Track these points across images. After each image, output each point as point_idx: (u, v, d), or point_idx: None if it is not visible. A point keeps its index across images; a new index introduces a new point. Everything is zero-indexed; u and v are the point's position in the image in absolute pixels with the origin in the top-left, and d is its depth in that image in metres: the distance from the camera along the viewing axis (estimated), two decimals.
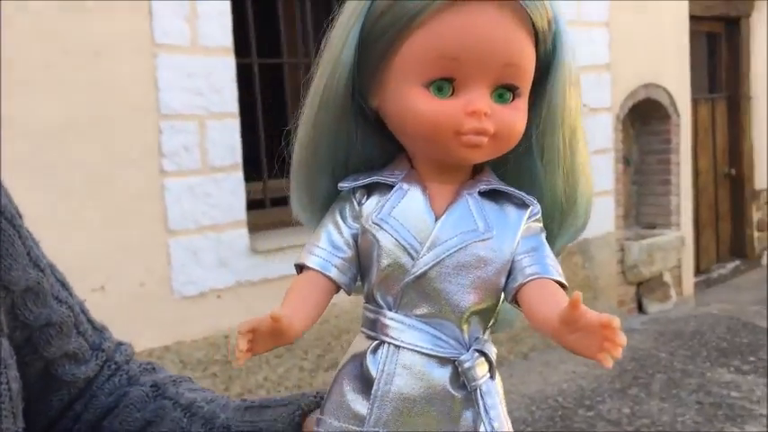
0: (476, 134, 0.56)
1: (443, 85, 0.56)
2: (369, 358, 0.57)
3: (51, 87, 2.74)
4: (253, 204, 3.37)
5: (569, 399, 3.79)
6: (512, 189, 0.60)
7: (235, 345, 0.51)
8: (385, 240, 0.57)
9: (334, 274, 0.58)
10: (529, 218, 0.59)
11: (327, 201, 0.63)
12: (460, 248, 0.57)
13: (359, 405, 0.57)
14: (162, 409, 0.73)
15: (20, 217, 0.74)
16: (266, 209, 3.48)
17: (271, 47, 3.65)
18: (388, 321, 0.57)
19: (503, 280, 0.58)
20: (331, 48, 0.59)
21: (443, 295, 0.57)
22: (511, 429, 0.58)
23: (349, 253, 0.59)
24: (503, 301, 0.60)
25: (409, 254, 0.57)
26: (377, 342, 0.57)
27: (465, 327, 0.58)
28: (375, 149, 0.63)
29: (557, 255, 0.63)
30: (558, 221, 0.63)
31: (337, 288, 0.59)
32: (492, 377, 0.58)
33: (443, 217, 0.58)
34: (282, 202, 3.36)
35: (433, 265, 0.56)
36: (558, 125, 0.60)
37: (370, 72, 0.59)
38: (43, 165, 2.75)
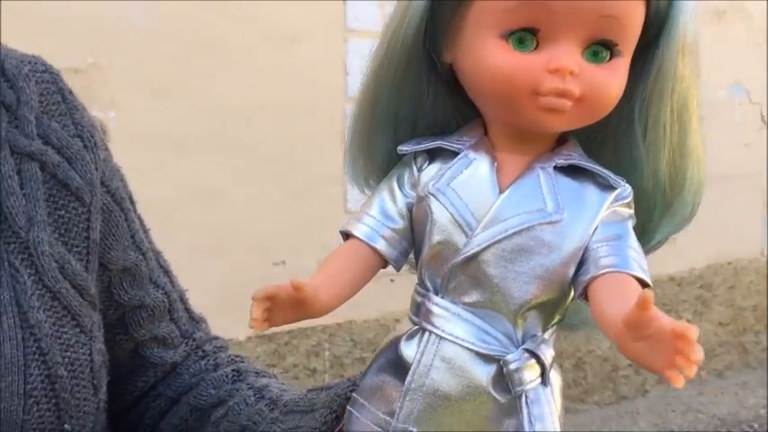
0: (557, 96, 0.49)
1: (526, 36, 0.49)
2: (403, 345, 0.52)
3: (248, 70, 2.89)
4: None
5: (766, 426, 3.45)
6: (596, 166, 0.52)
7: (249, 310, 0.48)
8: (439, 213, 0.51)
9: (381, 245, 0.53)
10: (615, 201, 0.51)
11: (386, 166, 0.57)
12: (522, 230, 0.50)
13: (393, 393, 0.52)
14: (236, 390, 0.74)
15: (131, 201, 0.78)
16: None
17: None
18: (432, 307, 0.51)
19: (571, 270, 0.50)
20: None
21: (497, 283, 0.50)
22: None
23: (401, 224, 0.54)
24: (573, 297, 0.52)
25: (464, 231, 0.50)
26: (416, 328, 0.52)
27: (520, 322, 0.50)
28: (448, 112, 0.56)
29: (657, 246, 0.56)
30: (661, 209, 0.55)
31: (384, 262, 0.54)
32: (544, 383, 0.50)
33: (507, 192, 0.51)
34: None
35: (488, 247, 0.50)
36: (666, 96, 0.52)
37: (446, 20, 0.52)
38: (234, 143, 2.92)
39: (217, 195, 2.76)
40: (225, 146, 2.86)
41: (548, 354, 0.51)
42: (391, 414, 0.51)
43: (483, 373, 0.50)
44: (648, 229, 0.55)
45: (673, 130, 0.52)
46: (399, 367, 0.52)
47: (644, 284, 0.49)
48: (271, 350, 3.13)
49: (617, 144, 0.54)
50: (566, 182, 0.51)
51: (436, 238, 0.51)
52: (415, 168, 0.54)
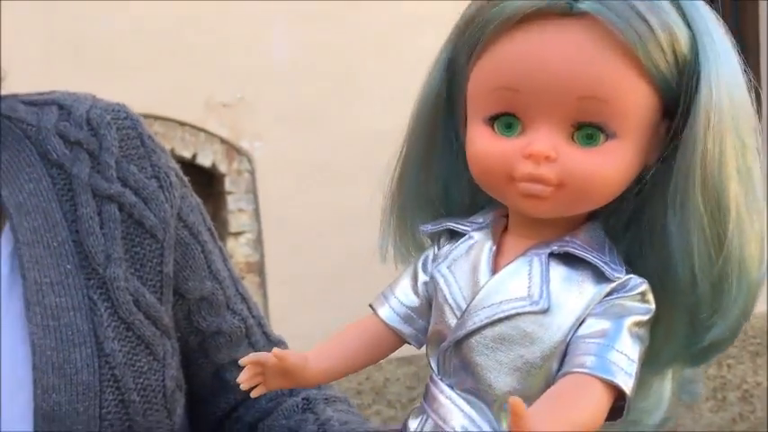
0: (530, 181, 0.46)
1: (512, 121, 0.46)
2: (410, 420, 0.52)
3: (385, 96, 2.96)
4: None
5: None
6: (592, 255, 0.47)
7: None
8: (439, 294, 0.51)
9: (396, 324, 0.53)
10: (612, 293, 0.46)
11: (424, 243, 0.56)
12: (504, 318, 0.47)
13: None
14: (304, 422, 0.76)
15: (210, 233, 0.82)
16: None
17: None
18: (435, 391, 0.50)
19: (554, 365, 0.46)
20: (426, 75, 0.54)
21: (479, 372, 0.48)
22: None
23: (417, 303, 0.53)
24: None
25: (455, 314, 0.49)
26: (421, 406, 0.52)
27: (502, 414, 0.48)
28: (482, 192, 0.53)
29: (708, 356, 0.49)
30: (709, 303, 0.47)
31: (401, 339, 0.54)
32: None
33: (495, 277, 0.48)
34: None
35: (471, 333, 0.48)
36: (692, 175, 0.45)
37: (457, 103, 0.52)
38: (374, 167, 2.99)
39: (359, 219, 2.83)
40: (366, 170, 2.93)
41: None
42: None
43: None
44: (698, 326, 0.48)
45: (703, 217, 0.46)
46: None
47: (620, 394, 0.43)
48: (411, 372, 3.16)
49: (653, 225, 0.49)
50: (560, 270, 0.47)
51: (436, 318, 0.51)
52: (436, 247, 0.54)
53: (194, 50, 2.74)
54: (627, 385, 0.43)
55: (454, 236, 0.53)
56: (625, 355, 0.44)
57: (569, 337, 0.46)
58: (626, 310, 0.46)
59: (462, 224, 0.52)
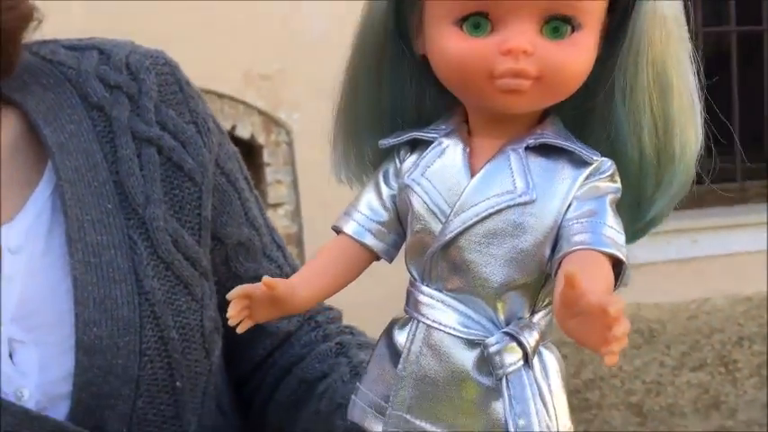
0: (512, 76, 0.47)
1: (480, 21, 0.48)
2: (397, 333, 0.53)
3: None
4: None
5: None
6: (568, 143, 0.50)
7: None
8: (417, 203, 0.51)
9: (369, 240, 0.54)
10: (592, 176, 0.49)
11: (377, 161, 0.57)
12: (492, 213, 0.49)
13: (390, 380, 0.53)
14: (337, 365, 0.77)
15: (247, 182, 0.83)
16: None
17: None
18: (419, 296, 0.52)
19: (547, 251, 0.49)
20: None
21: (473, 268, 0.49)
22: (549, 430, 0.48)
23: (386, 216, 0.54)
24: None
25: (438, 219, 0.50)
26: (407, 317, 0.53)
27: (500, 306, 0.50)
28: (432, 101, 0.56)
29: (657, 221, 0.54)
30: (653, 181, 0.52)
31: (375, 255, 0.55)
32: (527, 366, 0.49)
33: (477, 177, 0.50)
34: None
35: (461, 233, 0.49)
36: (642, 64, 0.50)
37: (410, 13, 0.53)
38: None
39: None
40: None
41: (530, 337, 0.49)
42: (388, 400, 0.52)
43: (467, 358, 0.50)
44: (643, 203, 0.53)
45: (652, 98, 0.50)
46: (395, 355, 0.53)
47: (617, 261, 0.47)
48: None
49: (602, 115, 0.53)
50: (538, 161, 0.50)
51: (415, 227, 0.52)
52: (397, 160, 0.54)
53: (232, 22, 2.75)
54: (623, 254, 0.47)
55: (417, 147, 0.54)
56: (614, 228, 0.48)
57: (559, 221, 0.48)
58: (603, 190, 0.49)
59: (428, 132, 0.53)
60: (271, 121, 2.89)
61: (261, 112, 2.88)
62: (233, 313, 0.50)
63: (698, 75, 0.52)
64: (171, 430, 0.70)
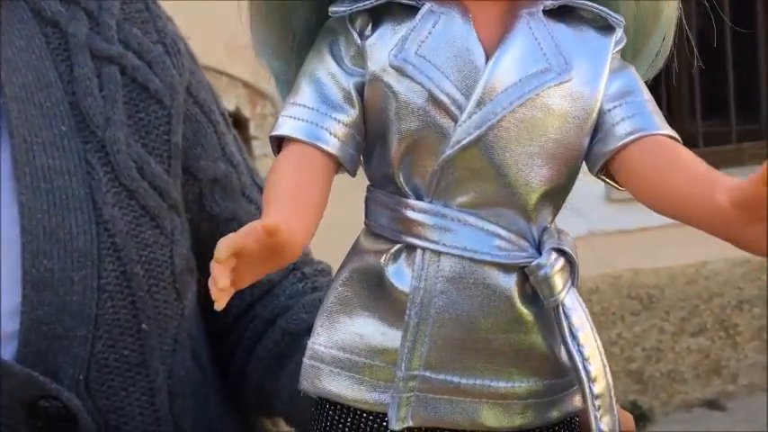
0: None
1: None
2: (390, 272, 0.40)
3: None
4: None
5: None
6: (590, 2, 0.41)
7: (211, 278, 0.36)
8: (409, 93, 0.40)
9: (332, 145, 0.40)
10: (616, 45, 0.42)
11: (308, 39, 0.44)
12: (527, 100, 0.39)
13: (380, 338, 0.41)
14: None
15: (223, 118, 0.77)
16: None
17: None
18: (418, 215, 0.40)
19: (586, 141, 0.40)
20: None
21: (504, 172, 0.40)
22: (602, 359, 0.40)
23: (352, 112, 0.41)
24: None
25: (448, 112, 0.39)
26: (398, 248, 0.40)
27: (534, 215, 0.41)
28: None
29: None
30: (631, 47, 0.45)
31: (337, 165, 0.41)
32: (574, 284, 0.40)
33: (497, 53, 0.40)
34: None
35: (488, 129, 0.39)
36: None
37: None
38: None
39: None
40: None
41: (572, 245, 0.41)
42: (392, 363, 0.41)
43: (504, 287, 0.40)
44: None
45: None
46: (383, 301, 0.41)
47: (673, 138, 0.40)
48: None
49: None
50: (562, 29, 0.41)
51: (411, 125, 0.40)
52: (355, 36, 0.41)
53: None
54: (675, 133, 0.41)
55: (385, 17, 0.41)
56: (654, 104, 0.42)
57: (600, 103, 0.41)
58: (624, 62, 0.43)
59: None
60: (256, 93, 2.83)
61: (246, 84, 2.81)
62: (224, 284, 0.36)
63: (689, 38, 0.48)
64: (136, 379, 0.63)
